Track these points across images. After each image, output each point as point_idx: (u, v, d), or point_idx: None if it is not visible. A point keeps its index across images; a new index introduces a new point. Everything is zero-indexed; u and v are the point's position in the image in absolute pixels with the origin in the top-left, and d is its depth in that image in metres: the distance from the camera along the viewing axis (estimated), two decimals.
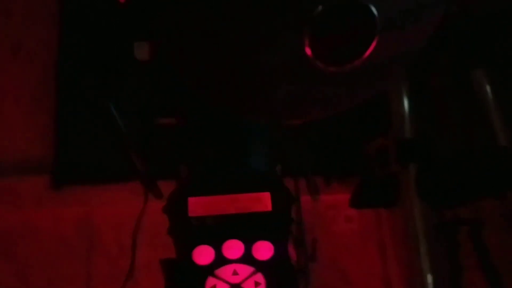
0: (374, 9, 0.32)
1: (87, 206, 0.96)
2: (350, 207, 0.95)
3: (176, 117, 0.43)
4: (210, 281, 0.37)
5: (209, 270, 0.37)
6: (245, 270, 0.37)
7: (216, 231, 0.39)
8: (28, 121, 1.01)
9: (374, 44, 0.33)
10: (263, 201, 0.39)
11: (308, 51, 0.31)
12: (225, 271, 0.37)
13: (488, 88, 0.86)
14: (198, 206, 0.39)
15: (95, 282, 0.93)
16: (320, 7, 0.30)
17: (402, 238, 0.96)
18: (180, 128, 0.44)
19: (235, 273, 0.37)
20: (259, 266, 0.37)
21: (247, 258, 0.38)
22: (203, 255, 0.38)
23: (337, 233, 1.01)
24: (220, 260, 0.38)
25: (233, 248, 0.38)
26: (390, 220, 1.03)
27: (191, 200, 0.39)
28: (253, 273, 0.37)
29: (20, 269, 0.92)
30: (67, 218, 0.96)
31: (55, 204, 0.95)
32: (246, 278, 0.37)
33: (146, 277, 0.87)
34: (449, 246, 0.88)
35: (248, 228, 0.39)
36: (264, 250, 0.38)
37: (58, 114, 1.00)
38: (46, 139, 0.99)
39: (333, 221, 1.01)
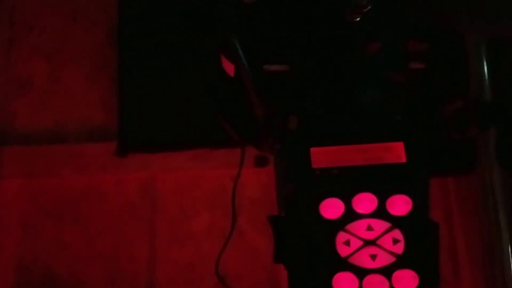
0: None
1: (150, 172, 0.96)
2: None
3: (287, 63, 0.40)
4: (341, 236, 0.34)
5: (339, 224, 0.34)
6: (380, 225, 0.34)
7: (344, 183, 0.35)
8: (90, 87, 1.01)
9: None
10: (395, 151, 0.36)
11: None
12: (357, 226, 0.34)
13: None
14: (322, 156, 0.36)
15: (158, 244, 0.94)
16: None
17: (471, 208, 0.90)
18: (292, 74, 0.40)
19: (369, 228, 0.34)
20: (396, 221, 0.34)
21: (381, 213, 0.34)
22: (332, 208, 0.35)
23: None
24: (351, 215, 0.35)
25: (365, 201, 0.35)
26: (457, 189, 0.98)
27: (314, 151, 0.36)
28: (390, 229, 0.34)
29: (86, 232, 0.94)
30: (131, 183, 0.96)
31: (119, 170, 0.96)
32: (382, 234, 0.34)
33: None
34: None
35: (380, 180, 0.35)
36: (400, 204, 0.34)
37: (120, 80, 0.99)
38: (108, 105, 0.99)
39: None
